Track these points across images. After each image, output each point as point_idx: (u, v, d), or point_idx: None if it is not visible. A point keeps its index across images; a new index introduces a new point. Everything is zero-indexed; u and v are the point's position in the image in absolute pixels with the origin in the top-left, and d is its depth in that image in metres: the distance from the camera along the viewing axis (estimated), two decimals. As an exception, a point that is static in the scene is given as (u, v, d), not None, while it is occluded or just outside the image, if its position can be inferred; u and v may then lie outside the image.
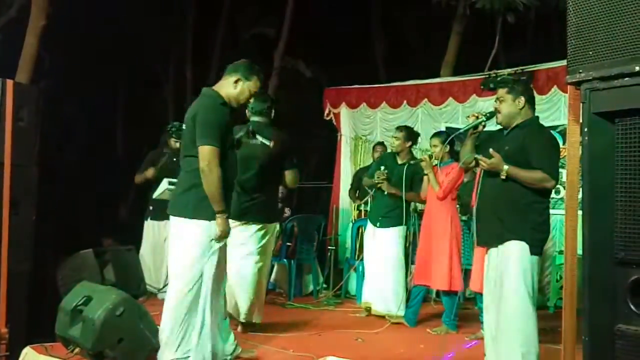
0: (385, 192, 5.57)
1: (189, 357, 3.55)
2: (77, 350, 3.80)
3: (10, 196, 4.35)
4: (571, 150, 2.43)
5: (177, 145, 6.49)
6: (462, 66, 9.10)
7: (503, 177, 3.42)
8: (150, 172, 6.34)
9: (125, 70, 11.84)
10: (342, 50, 12.14)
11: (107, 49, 10.88)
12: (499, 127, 3.73)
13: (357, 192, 7.42)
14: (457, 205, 6.15)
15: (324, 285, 7.14)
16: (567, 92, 2.49)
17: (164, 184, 6.03)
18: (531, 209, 3.44)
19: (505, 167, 3.40)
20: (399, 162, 5.63)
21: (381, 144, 7.28)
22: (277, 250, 6.38)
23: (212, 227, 3.56)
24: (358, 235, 6.94)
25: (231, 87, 3.78)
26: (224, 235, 3.58)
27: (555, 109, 6.82)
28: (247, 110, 4.98)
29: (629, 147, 2.04)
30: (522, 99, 3.53)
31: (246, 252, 4.66)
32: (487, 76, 7.65)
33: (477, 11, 8.93)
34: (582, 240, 2.22)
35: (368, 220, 5.87)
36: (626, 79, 2.07)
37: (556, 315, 3.37)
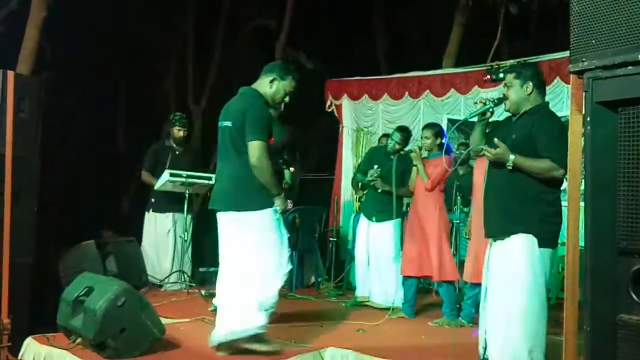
0: (379, 190, 5.60)
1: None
2: (79, 340, 3.83)
3: (12, 187, 4.35)
4: (573, 140, 2.42)
5: (181, 133, 6.50)
6: (464, 58, 9.06)
7: (509, 167, 3.31)
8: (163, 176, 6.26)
9: (126, 62, 11.82)
10: (343, 42, 12.10)
11: (108, 41, 10.85)
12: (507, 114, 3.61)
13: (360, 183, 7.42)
14: (459, 197, 6.17)
15: (326, 277, 7.16)
16: (569, 83, 2.47)
17: (165, 176, 6.05)
18: (540, 200, 3.32)
19: (512, 157, 3.28)
20: (391, 157, 5.68)
21: (386, 135, 7.27)
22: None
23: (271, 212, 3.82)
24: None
25: (267, 86, 3.96)
26: (284, 211, 3.94)
27: (558, 100, 6.80)
28: None
29: (632, 136, 2.02)
30: (530, 84, 3.39)
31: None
32: (489, 67, 7.61)
33: (480, 2, 8.89)
34: (584, 230, 2.21)
35: (362, 215, 5.89)
36: (629, 67, 2.05)
37: (557, 306, 3.33)
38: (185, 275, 6.25)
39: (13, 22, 8.03)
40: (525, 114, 3.42)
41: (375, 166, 5.71)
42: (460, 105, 7.88)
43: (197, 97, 12.01)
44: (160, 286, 6.23)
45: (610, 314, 2.09)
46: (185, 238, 6.26)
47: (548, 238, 3.32)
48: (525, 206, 3.33)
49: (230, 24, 12.27)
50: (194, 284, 6.20)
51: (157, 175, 6.24)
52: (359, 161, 8.20)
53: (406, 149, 5.68)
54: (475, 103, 3.76)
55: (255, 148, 3.72)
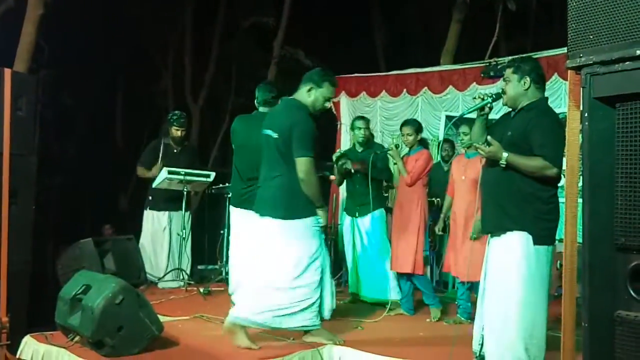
0: (352, 171, 5.54)
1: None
2: (77, 338, 3.82)
3: (9, 186, 4.33)
4: (571, 136, 2.41)
5: (179, 133, 6.49)
6: (463, 54, 9.06)
7: (503, 165, 3.29)
8: (155, 170, 6.30)
9: (124, 59, 11.80)
10: (341, 39, 12.09)
11: (106, 38, 10.83)
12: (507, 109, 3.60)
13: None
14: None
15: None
16: (567, 80, 2.46)
17: (164, 174, 6.04)
18: (535, 198, 3.30)
19: (504, 154, 3.26)
20: (359, 150, 5.71)
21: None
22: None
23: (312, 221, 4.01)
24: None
25: (306, 96, 4.06)
26: (326, 221, 4.08)
27: (556, 97, 6.80)
28: (255, 102, 5.12)
29: (630, 132, 2.02)
30: (528, 79, 3.35)
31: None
32: (487, 64, 7.61)
33: (478, -1, 8.90)
34: (582, 226, 2.21)
35: (345, 214, 5.85)
36: (627, 63, 2.04)
37: (555, 303, 3.32)
38: (184, 273, 6.24)
39: (10, 20, 8.00)
40: (523, 110, 3.40)
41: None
42: (459, 102, 7.87)
43: (195, 94, 12.00)
44: (158, 284, 6.23)
45: (608, 311, 2.08)
46: (184, 236, 6.26)
47: (544, 235, 3.29)
48: (519, 204, 3.32)
49: (228, 21, 12.26)
50: (192, 282, 6.20)
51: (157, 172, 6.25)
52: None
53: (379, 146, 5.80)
54: (474, 98, 3.74)
55: (303, 164, 3.89)
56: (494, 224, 3.44)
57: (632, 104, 2.04)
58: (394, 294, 5.36)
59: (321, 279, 4.05)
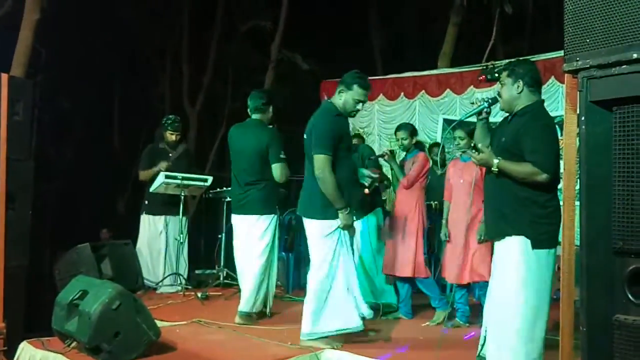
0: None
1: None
2: (73, 344, 3.80)
3: (6, 191, 4.32)
4: (568, 140, 2.41)
5: (174, 137, 6.48)
6: (460, 58, 9.07)
7: (495, 171, 3.32)
8: (163, 165, 6.26)
9: (121, 64, 11.80)
10: (339, 43, 12.09)
11: (103, 42, 10.83)
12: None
13: None
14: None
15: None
16: (564, 83, 2.46)
17: (161, 178, 6.02)
18: (531, 202, 3.29)
19: (495, 161, 3.30)
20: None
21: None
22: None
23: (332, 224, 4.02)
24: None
25: (337, 98, 4.14)
26: (347, 227, 4.00)
27: (553, 100, 6.81)
28: (247, 110, 5.20)
29: (627, 135, 2.02)
30: (521, 82, 3.34)
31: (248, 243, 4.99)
32: (484, 67, 7.62)
33: (475, 2, 8.90)
34: (579, 230, 2.20)
35: None
36: (624, 66, 2.04)
37: (554, 306, 3.32)
38: (181, 278, 6.22)
39: (7, 25, 8.00)
40: (517, 115, 3.40)
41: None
42: (456, 105, 7.88)
43: (193, 98, 11.99)
44: (156, 289, 6.20)
45: (607, 315, 2.08)
46: (181, 240, 6.24)
47: (543, 239, 3.28)
48: (516, 208, 3.32)
49: (225, 25, 12.26)
50: (190, 286, 6.18)
51: (152, 178, 6.23)
52: None
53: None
54: (472, 103, 3.74)
55: (317, 161, 3.94)
56: (494, 229, 3.47)
57: (629, 108, 2.04)
58: (387, 297, 5.35)
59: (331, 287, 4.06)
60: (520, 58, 7.09)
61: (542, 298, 3.29)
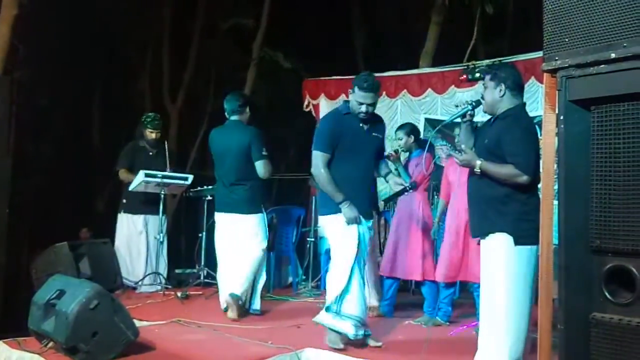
0: None
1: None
2: (50, 344, 3.76)
3: (-19, 189, 4.25)
4: (547, 139, 2.42)
5: (154, 135, 6.42)
6: (441, 57, 9.09)
7: (477, 172, 3.43)
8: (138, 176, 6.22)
9: (101, 60, 11.66)
10: (321, 41, 12.07)
11: (82, 39, 10.69)
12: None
13: None
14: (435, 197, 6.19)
15: (303, 277, 7.13)
16: (543, 83, 2.48)
17: (140, 176, 5.97)
18: (511, 200, 3.40)
19: (478, 162, 3.42)
20: None
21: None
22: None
23: (331, 219, 4.15)
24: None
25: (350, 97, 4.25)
26: (350, 220, 4.02)
27: (533, 100, 6.85)
28: (225, 113, 5.36)
29: (605, 134, 2.03)
30: (503, 86, 3.46)
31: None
32: (465, 67, 7.65)
33: (456, 2, 8.92)
34: (557, 229, 2.22)
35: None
36: (602, 66, 2.06)
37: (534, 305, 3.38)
38: (161, 277, 6.17)
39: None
40: (499, 118, 3.52)
41: None
42: (437, 105, 7.90)
43: (174, 95, 11.90)
44: (135, 288, 6.15)
45: (584, 313, 2.09)
46: (161, 239, 6.19)
47: (525, 235, 3.35)
48: (498, 207, 3.43)
49: (207, 22, 12.18)
50: (169, 286, 6.13)
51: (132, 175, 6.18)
52: None
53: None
54: (457, 106, 3.86)
55: (313, 158, 4.13)
56: (478, 228, 3.57)
57: (606, 107, 2.05)
58: (373, 300, 5.34)
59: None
60: (501, 59, 7.20)
61: (525, 294, 3.38)
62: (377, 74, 8.47)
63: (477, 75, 7.58)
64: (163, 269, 6.28)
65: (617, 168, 2.01)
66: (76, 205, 10.37)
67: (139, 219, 6.32)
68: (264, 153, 5.07)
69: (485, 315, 3.51)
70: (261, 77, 11.07)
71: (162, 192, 6.09)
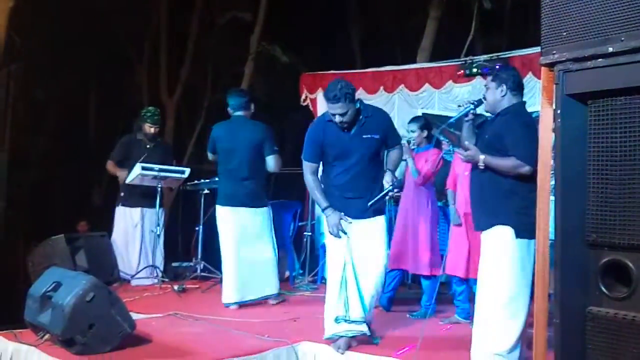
0: None
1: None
2: (46, 336, 3.75)
3: (-23, 181, 4.24)
4: (544, 133, 2.42)
5: (152, 130, 6.40)
6: (439, 52, 9.09)
7: (481, 167, 3.54)
8: (122, 172, 6.25)
9: (98, 54, 11.63)
10: (318, 36, 12.06)
11: (79, 31, 10.66)
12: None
13: None
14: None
15: (300, 271, 7.13)
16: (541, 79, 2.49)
17: (137, 169, 5.96)
18: (513, 193, 3.50)
19: (482, 157, 3.53)
20: None
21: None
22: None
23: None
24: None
25: None
26: (331, 227, 4.00)
27: (531, 95, 6.84)
28: (228, 108, 5.43)
29: (601, 128, 2.04)
30: (504, 86, 3.60)
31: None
32: (463, 62, 7.65)
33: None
34: (554, 223, 2.22)
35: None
36: (599, 60, 2.05)
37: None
38: (158, 270, 6.17)
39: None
40: (499, 115, 3.65)
41: None
42: (434, 100, 7.89)
43: (171, 89, 11.88)
44: (131, 281, 6.14)
45: (580, 307, 2.10)
46: (158, 232, 6.19)
47: (525, 229, 3.41)
48: (499, 200, 3.53)
49: (204, 16, 12.15)
50: (166, 279, 6.13)
51: (128, 168, 6.16)
52: None
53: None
54: (459, 106, 4.02)
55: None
56: (480, 221, 3.67)
57: (603, 101, 2.05)
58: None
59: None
60: (499, 54, 7.19)
61: (524, 286, 3.45)
62: (374, 69, 8.56)
63: (475, 70, 7.58)
64: (160, 262, 6.28)
65: (613, 162, 2.01)
66: (73, 198, 10.37)
67: (136, 211, 6.31)
68: (275, 148, 5.28)
69: (481, 307, 3.54)
70: (258, 71, 11.05)
71: (159, 186, 6.09)
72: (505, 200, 3.51)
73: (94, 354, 3.59)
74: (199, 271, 6.38)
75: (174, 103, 11.77)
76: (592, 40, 2.06)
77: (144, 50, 12.24)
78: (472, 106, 3.79)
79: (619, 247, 2.01)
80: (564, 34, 2.14)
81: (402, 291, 6.08)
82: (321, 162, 4.18)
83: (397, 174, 4.63)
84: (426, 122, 5.45)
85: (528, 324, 3.45)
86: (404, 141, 5.34)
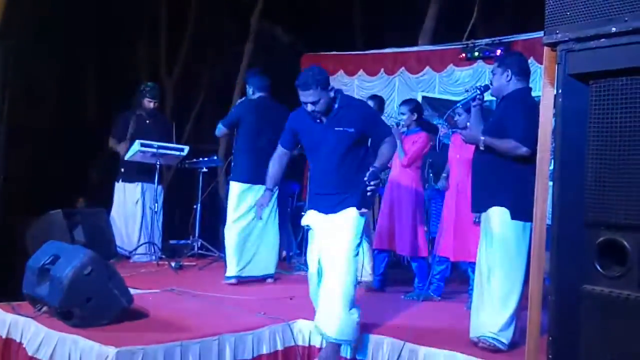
0: None
1: None
2: (44, 309, 3.77)
3: (-24, 155, 4.24)
4: (545, 113, 2.43)
5: (151, 105, 6.39)
6: (441, 35, 9.05)
7: (482, 148, 3.62)
8: (123, 146, 6.25)
9: (97, 29, 11.54)
10: (319, 16, 11.98)
11: (78, 6, 10.57)
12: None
13: None
14: (430, 175, 6.19)
15: (297, 251, 7.16)
16: (542, 63, 2.49)
17: (136, 146, 5.96)
18: (511, 175, 3.56)
19: (482, 138, 3.62)
20: None
21: None
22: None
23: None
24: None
25: None
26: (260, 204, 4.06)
27: (532, 80, 6.81)
28: (247, 87, 5.57)
29: (602, 109, 2.04)
30: (509, 71, 3.66)
31: None
32: (464, 46, 7.63)
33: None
34: (551, 201, 2.23)
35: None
36: (602, 40, 2.05)
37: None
38: (155, 247, 6.19)
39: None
40: (504, 99, 3.74)
41: None
42: (435, 83, 7.90)
43: (170, 67, 11.82)
44: (129, 257, 6.17)
45: (575, 285, 2.11)
46: (156, 209, 6.20)
47: (521, 211, 3.46)
48: (498, 182, 3.60)
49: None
50: (163, 256, 6.16)
51: (130, 144, 6.17)
52: None
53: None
54: (466, 91, 4.16)
55: None
56: (479, 202, 3.76)
57: (604, 82, 2.05)
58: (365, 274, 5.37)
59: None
60: (501, 38, 7.16)
61: (518, 267, 3.51)
62: (375, 51, 8.53)
63: (476, 54, 7.57)
64: (157, 239, 6.30)
65: (613, 142, 2.01)
66: (71, 174, 10.34)
67: (137, 187, 6.33)
68: None
69: (478, 287, 3.63)
70: (259, 51, 10.99)
71: (158, 163, 6.09)
72: (503, 181, 3.57)
73: (91, 327, 3.61)
74: (196, 249, 6.41)
75: (173, 82, 11.71)
76: (595, 20, 2.06)
77: (143, 28, 12.15)
78: (478, 91, 3.87)
79: (616, 226, 2.02)
80: (568, 14, 2.14)
81: (396, 273, 6.13)
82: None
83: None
84: (417, 105, 5.47)
85: (522, 307, 3.50)
86: (393, 122, 5.37)
